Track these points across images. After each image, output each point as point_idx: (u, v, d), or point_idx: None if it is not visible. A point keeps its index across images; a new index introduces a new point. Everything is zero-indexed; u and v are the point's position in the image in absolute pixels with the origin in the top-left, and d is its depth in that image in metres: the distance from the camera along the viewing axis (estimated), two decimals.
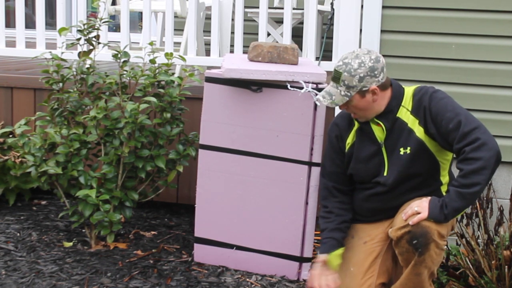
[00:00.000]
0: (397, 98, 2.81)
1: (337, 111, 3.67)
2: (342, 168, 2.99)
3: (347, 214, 2.99)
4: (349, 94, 2.75)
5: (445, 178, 2.87)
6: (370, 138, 2.87)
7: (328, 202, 3.01)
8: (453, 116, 2.67)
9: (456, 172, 2.72)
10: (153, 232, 3.72)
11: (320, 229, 3.03)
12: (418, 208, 2.68)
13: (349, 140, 2.95)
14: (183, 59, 3.62)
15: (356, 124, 2.92)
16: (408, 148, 2.80)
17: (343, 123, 2.98)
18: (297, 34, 5.22)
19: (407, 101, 2.81)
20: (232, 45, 4.28)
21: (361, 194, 2.98)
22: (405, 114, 2.80)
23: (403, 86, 2.86)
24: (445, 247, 2.75)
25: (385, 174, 2.86)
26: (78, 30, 3.46)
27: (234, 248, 3.27)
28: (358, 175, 2.95)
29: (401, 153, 2.81)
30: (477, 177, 2.58)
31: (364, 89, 2.74)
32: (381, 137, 2.84)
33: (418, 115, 2.78)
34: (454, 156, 2.80)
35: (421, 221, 2.66)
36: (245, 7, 4.15)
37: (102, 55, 3.78)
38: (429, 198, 2.71)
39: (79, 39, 3.47)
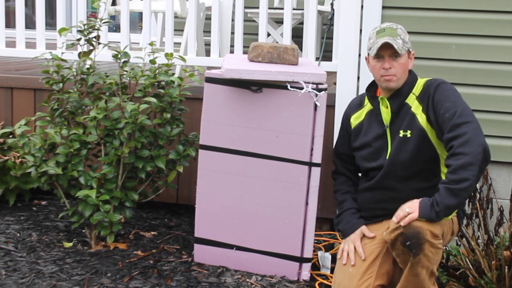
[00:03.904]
0: (410, 84, 2.94)
1: (338, 111, 3.67)
2: (344, 148, 3.17)
3: (354, 184, 3.19)
4: (405, 47, 2.89)
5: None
6: (378, 120, 2.99)
7: (337, 177, 3.24)
8: (451, 107, 2.75)
9: None
10: (153, 233, 3.72)
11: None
12: (409, 209, 2.68)
13: (356, 118, 3.08)
14: (183, 60, 3.62)
15: (368, 106, 3.05)
16: (408, 131, 2.89)
17: (354, 102, 3.17)
18: (297, 35, 5.23)
19: (418, 88, 2.93)
20: (232, 46, 4.28)
21: (363, 185, 3.08)
22: (412, 100, 2.91)
23: (418, 76, 2.99)
24: (442, 245, 2.74)
25: (387, 157, 2.94)
26: (78, 31, 3.46)
27: (234, 248, 3.27)
28: (361, 157, 3.05)
29: (401, 135, 2.90)
30: (465, 172, 2.60)
31: (410, 49, 2.93)
32: (387, 119, 2.95)
33: (423, 102, 2.88)
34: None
35: (413, 222, 2.65)
36: (245, 7, 4.14)
37: (102, 55, 3.78)
38: (420, 199, 2.71)
39: (79, 40, 3.47)
